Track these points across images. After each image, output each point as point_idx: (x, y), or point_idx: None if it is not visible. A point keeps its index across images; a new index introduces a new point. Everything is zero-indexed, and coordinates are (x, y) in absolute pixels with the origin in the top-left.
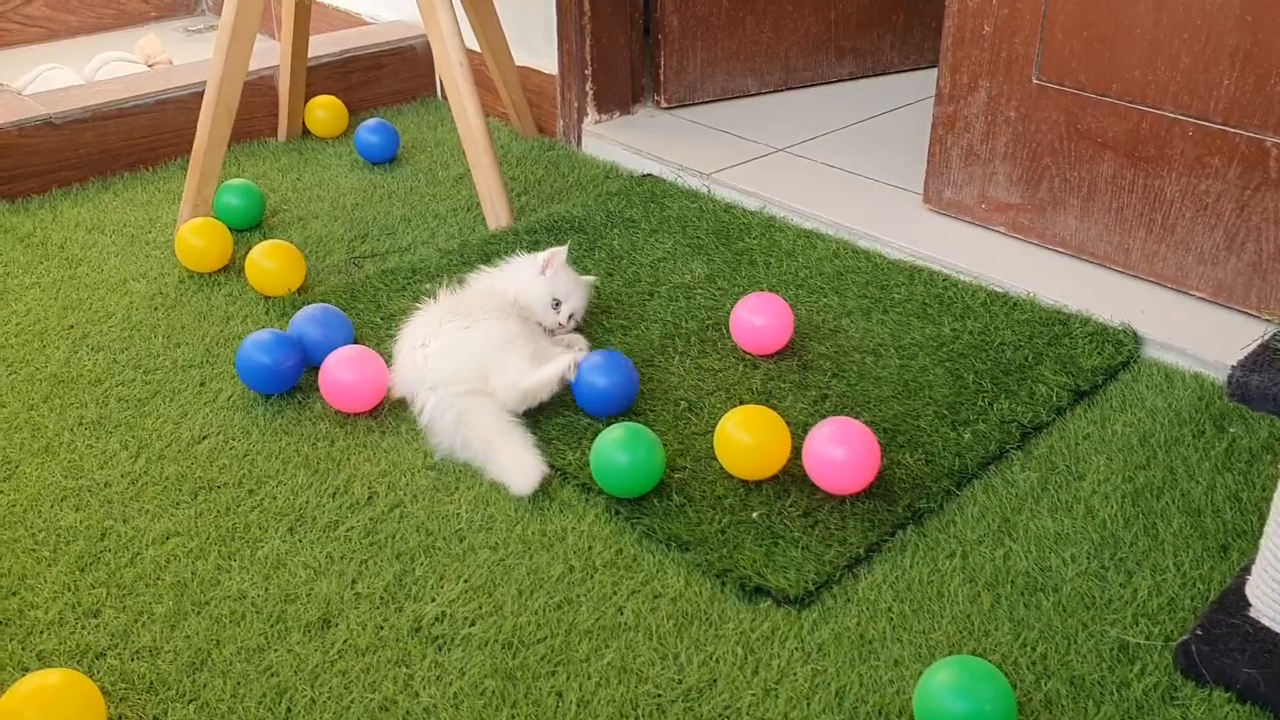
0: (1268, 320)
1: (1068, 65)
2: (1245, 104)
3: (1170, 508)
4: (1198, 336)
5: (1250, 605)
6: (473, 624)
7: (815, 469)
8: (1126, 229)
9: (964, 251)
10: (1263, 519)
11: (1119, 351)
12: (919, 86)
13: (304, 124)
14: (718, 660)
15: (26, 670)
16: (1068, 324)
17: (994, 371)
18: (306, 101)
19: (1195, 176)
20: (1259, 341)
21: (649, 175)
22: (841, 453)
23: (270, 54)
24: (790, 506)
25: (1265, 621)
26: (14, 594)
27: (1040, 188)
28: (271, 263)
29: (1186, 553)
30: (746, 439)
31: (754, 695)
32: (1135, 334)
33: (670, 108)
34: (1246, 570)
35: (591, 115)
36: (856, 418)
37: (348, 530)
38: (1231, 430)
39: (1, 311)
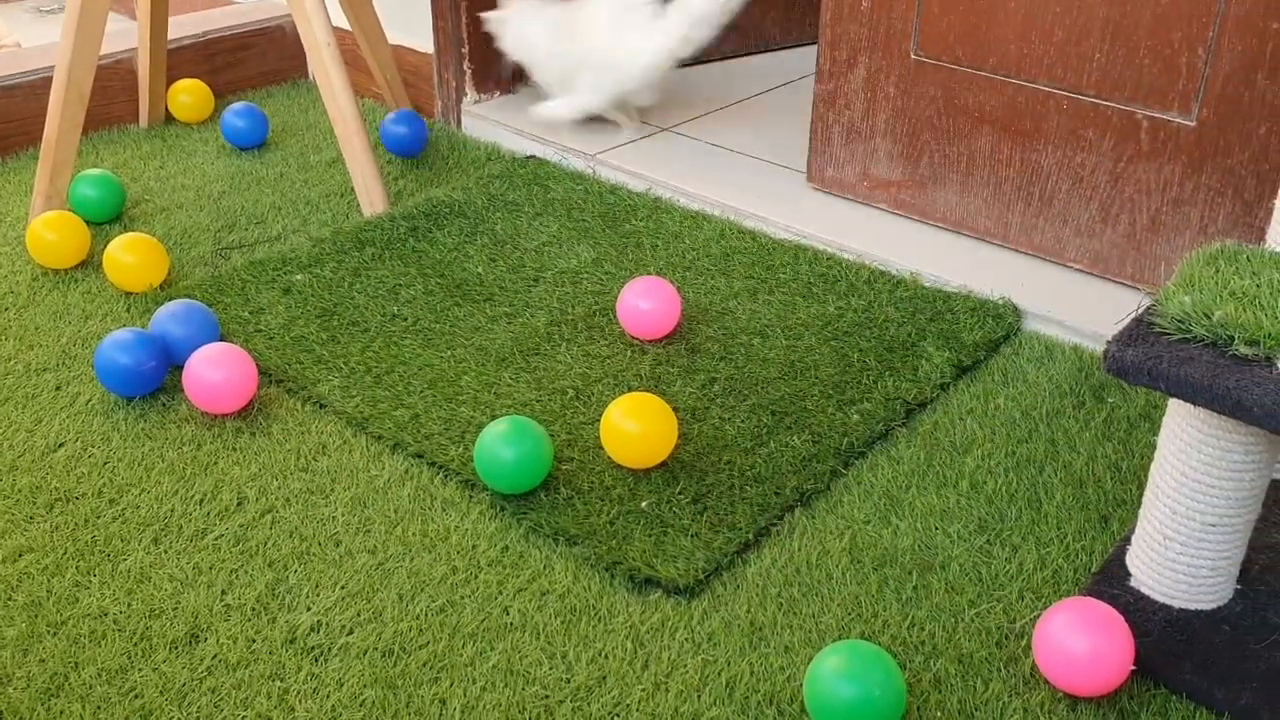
0: (1145, 294)
1: (945, 40)
2: (1116, 76)
3: (1053, 480)
4: (1076, 308)
5: (1131, 575)
6: (350, 632)
7: (1051, 665)
8: (1005, 203)
9: (847, 229)
10: (1141, 488)
11: (1000, 325)
12: (802, 63)
13: (167, 109)
14: (607, 656)
15: None
16: (950, 300)
17: (879, 349)
18: (169, 85)
19: (1070, 149)
20: (1133, 315)
21: (532, 157)
22: (1085, 644)
23: (129, 35)
24: (679, 494)
25: (1145, 590)
26: None
27: (921, 164)
28: (131, 257)
29: (1070, 524)
30: (633, 427)
31: (644, 690)
32: (1015, 307)
33: None
34: (1127, 540)
35: (471, 95)
36: (744, 400)
37: (216, 539)
38: (1110, 400)
39: None
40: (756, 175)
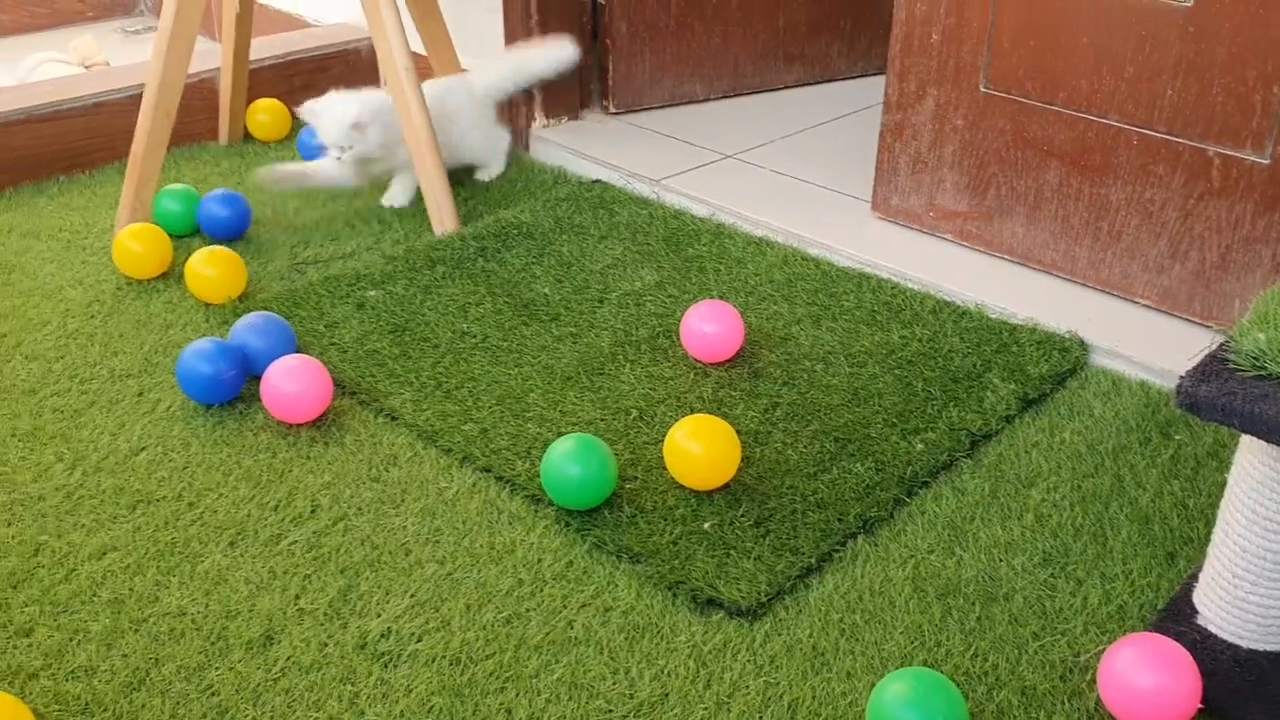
0: (1217, 331)
1: (1015, 74)
2: (1188, 113)
3: (1118, 515)
4: (1143, 344)
5: (1198, 613)
6: (419, 640)
7: (1116, 700)
8: (1073, 237)
9: (912, 259)
10: (1209, 526)
11: (1066, 359)
12: (866, 93)
13: (245, 128)
14: (669, 674)
15: None
16: (1015, 332)
17: (943, 379)
18: (248, 105)
19: (1140, 185)
20: (1207, 351)
21: (598, 181)
22: (1151, 680)
23: (211, 56)
24: (742, 516)
25: (1213, 629)
26: None
27: (987, 195)
28: (212, 269)
29: (1135, 560)
30: (697, 449)
31: (706, 710)
32: (1082, 342)
33: (618, 113)
34: (1194, 578)
35: (539, 120)
36: (806, 426)
37: (290, 544)
38: (1177, 437)
39: None
40: (820, 203)
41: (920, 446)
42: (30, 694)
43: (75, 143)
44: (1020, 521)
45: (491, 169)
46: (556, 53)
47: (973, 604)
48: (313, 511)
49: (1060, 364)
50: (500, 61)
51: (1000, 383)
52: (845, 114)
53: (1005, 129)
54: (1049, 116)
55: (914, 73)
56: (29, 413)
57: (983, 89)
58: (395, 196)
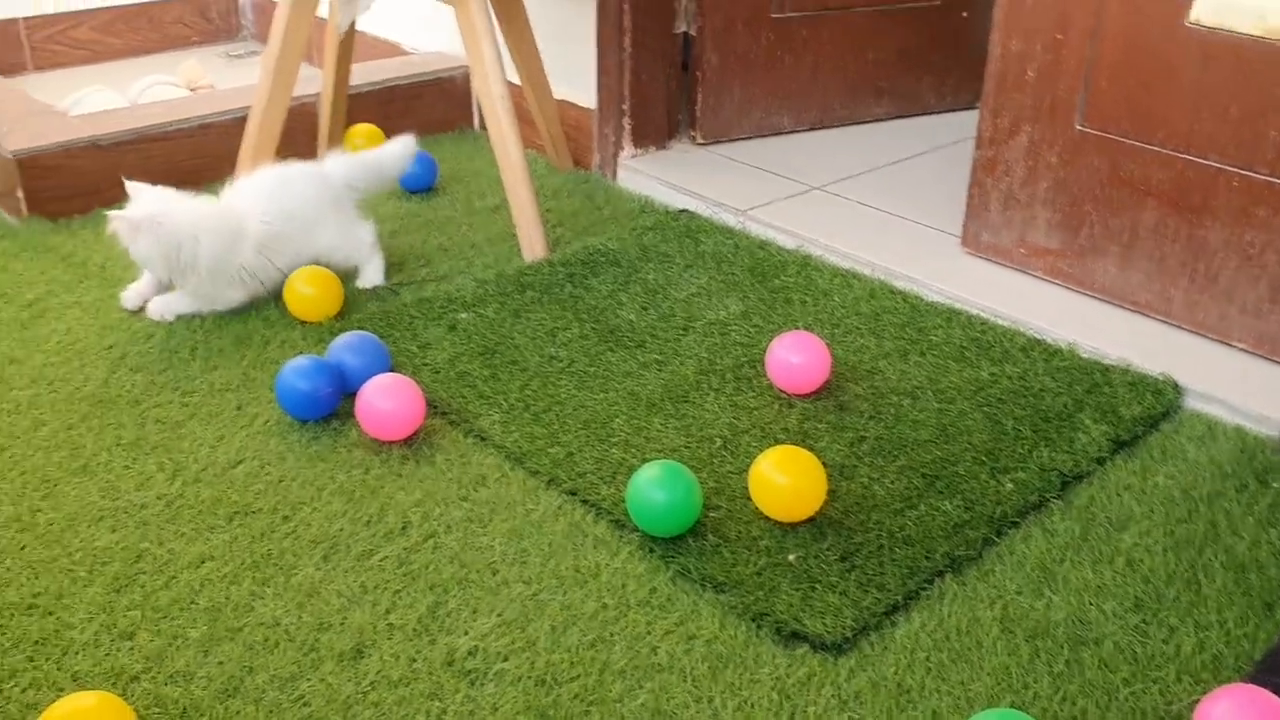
0: None
1: (1112, 112)
2: None
3: (1213, 563)
4: (1240, 389)
5: None
6: (506, 659)
7: None
8: (1168, 278)
9: (1002, 295)
10: None
11: (1159, 402)
12: (955, 128)
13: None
14: (753, 705)
15: (62, 691)
16: (1107, 372)
17: (1033, 418)
18: (346, 129)
19: (1240, 227)
20: None
21: (684, 210)
22: None
23: (312, 81)
24: (827, 550)
25: None
26: (50, 613)
27: (1080, 234)
28: (310, 288)
29: (1231, 609)
30: (783, 480)
31: None
32: (1176, 385)
33: (706, 143)
34: None
35: (628, 149)
36: (893, 461)
37: (381, 560)
38: (1275, 485)
39: (42, 330)
40: (909, 237)
41: (1010, 486)
42: (132, 696)
43: (183, 162)
44: (1111, 565)
45: (368, 272)
46: (402, 148)
47: (1062, 647)
48: (403, 528)
49: (1154, 406)
50: (353, 157)
51: (1092, 424)
52: (934, 149)
53: (1100, 167)
54: (1146, 156)
55: (1008, 109)
56: (133, 423)
57: (1078, 127)
58: (155, 305)
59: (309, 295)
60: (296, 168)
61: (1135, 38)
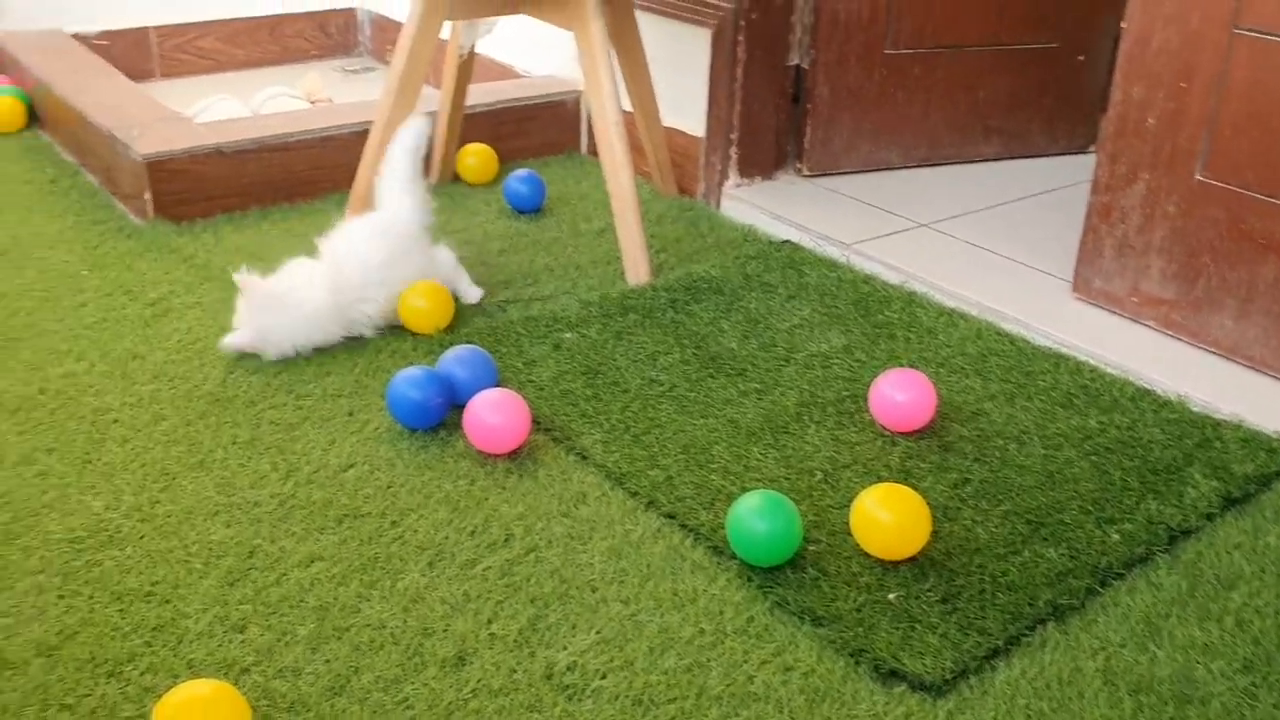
0: None
1: (1234, 163)
2: None
3: None
4: None
5: None
6: (604, 676)
7: None
8: None
9: (1112, 343)
10: None
11: (1274, 460)
12: (1065, 172)
13: (455, 170)
14: None
15: (177, 677)
16: (1219, 427)
17: (1141, 470)
18: (459, 148)
19: None
20: None
21: (787, 241)
22: None
23: (429, 100)
24: (928, 591)
25: None
26: (167, 602)
27: (1196, 285)
28: (423, 301)
29: None
30: (887, 518)
31: None
32: None
33: (812, 175)
34: None
35: (733, 178)
36: (997, 505)
37: (484, 570)
38: None
39: (164, 328)
40: (1017, 279)
41: (1116, 537)
42: (243, 687)
43: (301, 172)
44: (1220, 624)
45: (463, 289)
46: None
47: (1166, 704)
48: (506, 540)
49: (1267, 465)
50: (408, 192)
51: (1202, 479)
52: (1043, 191)
53: (1220, 219)
54: (1270, 209)
55: (1126, 156)
56: (248, 423)
57: (1198, 176)
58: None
59: (422, 308)
60: (382, 218)
61: (1262, 89)
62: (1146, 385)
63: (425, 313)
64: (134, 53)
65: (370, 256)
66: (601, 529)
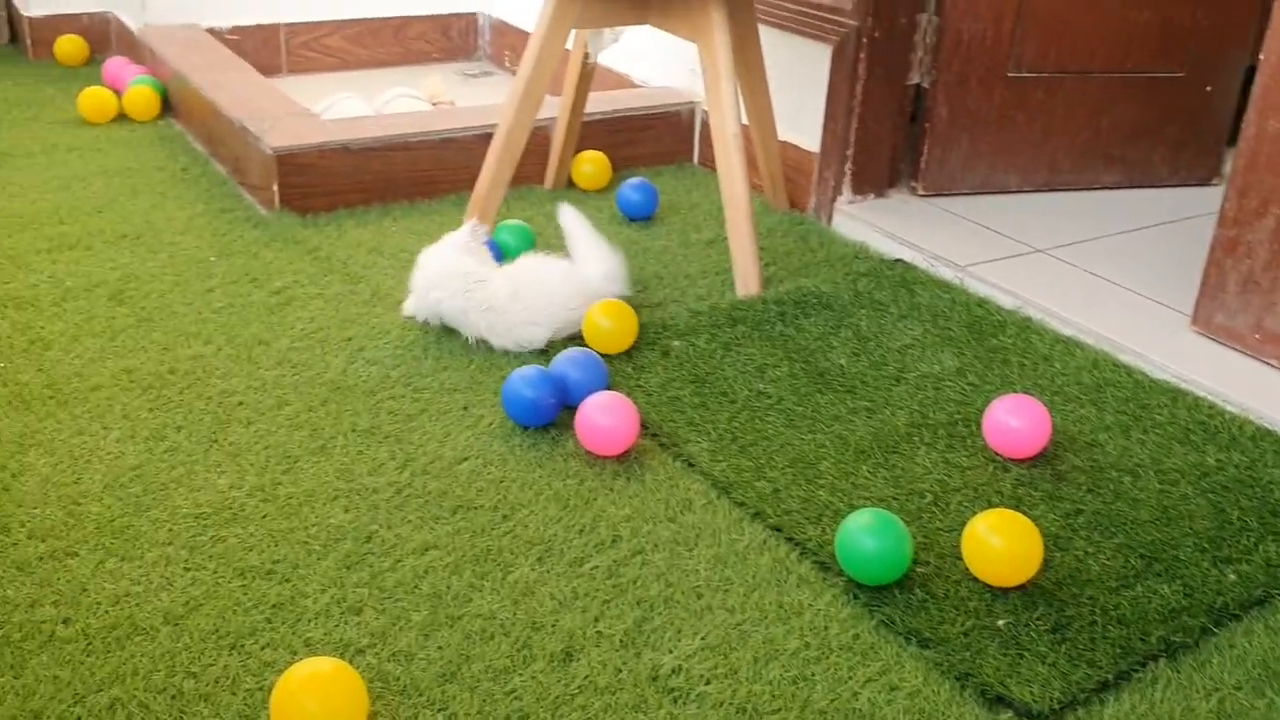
0: None
1: None
2: None
3: None
4: None
5: None
6: (708, 683)
7: None
8: None
9: (1233, 380)
10: None
11: None
12: (1187, 203)
13: (570, 176)
14: None
15: (295, 654)
16: None
17: (1260, 510)
18: (575, 155)
19: None
20: None
21: (899, 260)
22: None
23: (549, 107)
24: (1038, 619)
25: None
26: (287, 581)
27: None
28: (609, 321)
29: None
30: (998, 543)
31: None
32: None
33: (927, 195)
34: None
35: (846, 194)
36: (1110, 538)
37: (592, 568)
38: None
39: (288, 316)
40: (1135, 310)
41: (1233, 577)
42: (357, 668)
43: (423, 172)
44: None
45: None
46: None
47: None
48: (613, 541)
49: None
50: (602, 259)
51: None
52: (1164, 222)
53: None
54: None
55: (1256, 190)
56: (368, 411)
57: None
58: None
59: (608, 329)
60: (579, 272)
61: None
62: (1268, 425)
63: (611, 333)
64: (264, 48)
65: (551, 295)
66: (707, 536)
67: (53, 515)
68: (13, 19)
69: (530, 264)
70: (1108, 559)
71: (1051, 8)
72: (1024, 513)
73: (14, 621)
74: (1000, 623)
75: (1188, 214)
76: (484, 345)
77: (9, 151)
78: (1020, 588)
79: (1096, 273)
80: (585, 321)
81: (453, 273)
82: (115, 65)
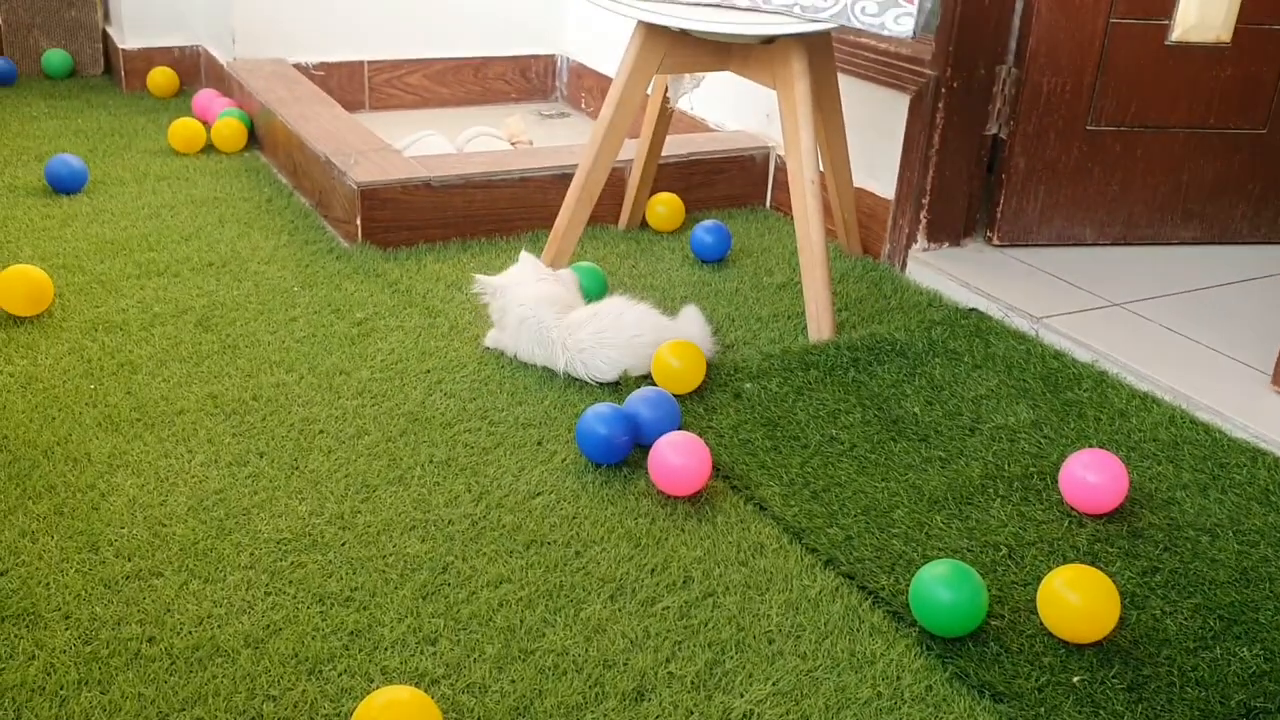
0: None
1: None
2: None
3: None
4: None
5: None
6: None
7: None
8: None
9: None
10: None
11: None
12: (1269, 261)
13: (644, 217)
14: None
15: (372, 682)
16: None
17: None
18: (650, 196)
19: None
20: None
21: (974, 310)
22: None
23: (626, 149)
24: (1114, 678)
25: None
26: (364, 609)
27: None
28: (678, 360)
29: None
30: (1075, 599)
31: None
32: None
33: (1002, 245)
34: None
35: (920, 242)
36: (1188, 598)
37: (664, 609)
38: None
39: (369, 347)
40: (1213, 367)
41: None
42: (432, 698)
43: (501, 209)
44: None
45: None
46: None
47: None
48: (684, 582)
49: None
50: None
51: None
52: (1243, 279)
53: None
54: None
55: None
56: (445, 443)
57: None
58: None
59: (676, 369)
60: (669, 324)
61: None
62: None
63: (679, 373)
64: (347, 84)
65: (626, 327)
66: (779, 581)
67: (139, 535)
68: (108, 51)
69: (617, 302)
70: (1185, 619)
71: (1133, 62)
72: (1099, 568)
73: (101, 638)
74: (1075, 679)
75: (1268, 272)
76: (558, 378)
77: (102, 179)
78: (1096, 645)
79: (1174, 329)
80: (655, 361)
81: (548, 298)
82: (204, 98)
